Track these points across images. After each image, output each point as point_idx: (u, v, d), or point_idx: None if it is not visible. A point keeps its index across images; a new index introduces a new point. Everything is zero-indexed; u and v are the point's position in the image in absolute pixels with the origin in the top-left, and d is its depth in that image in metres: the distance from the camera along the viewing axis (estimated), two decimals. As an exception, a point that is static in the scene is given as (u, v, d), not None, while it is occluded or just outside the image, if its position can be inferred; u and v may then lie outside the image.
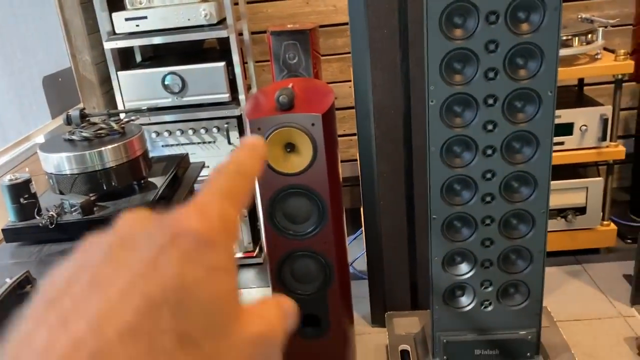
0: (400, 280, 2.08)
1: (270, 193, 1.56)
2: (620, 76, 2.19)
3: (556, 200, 2.29)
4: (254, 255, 2.58)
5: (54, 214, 1.43)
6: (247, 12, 2.66)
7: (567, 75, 2.22)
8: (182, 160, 1.82)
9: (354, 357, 1.87)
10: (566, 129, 2.24)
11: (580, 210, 2.35)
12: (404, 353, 1.81)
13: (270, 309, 0.25)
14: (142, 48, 2.72)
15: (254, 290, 2.44)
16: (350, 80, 2.05)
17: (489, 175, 1.46)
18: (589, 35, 2.22)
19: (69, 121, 1.63)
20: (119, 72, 2.37)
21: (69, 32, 2.38)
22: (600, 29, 2.21)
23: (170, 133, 2.43)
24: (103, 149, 1.51)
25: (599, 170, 2.52)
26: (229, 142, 2.42)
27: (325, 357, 1.77)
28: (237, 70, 2.37)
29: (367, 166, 1.96)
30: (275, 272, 1.65)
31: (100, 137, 1.56)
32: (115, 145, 1.52)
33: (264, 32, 2.64)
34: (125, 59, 2.57)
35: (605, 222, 2.38)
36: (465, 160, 1.45)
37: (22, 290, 1.10)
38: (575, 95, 2.53)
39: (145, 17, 2.30)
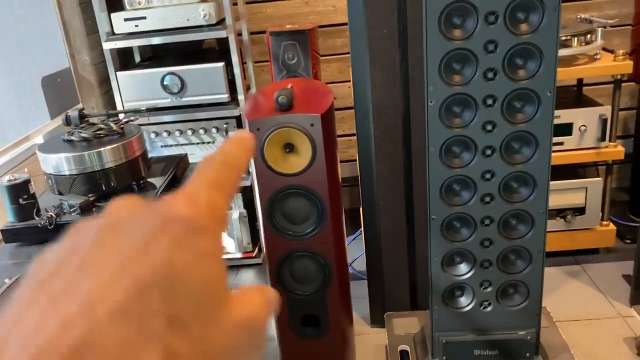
0: (399, 281, 2.08)
1: (269, 193, 1.56)
2: (619, 76, 2.19)
3: (555, 201, 2.29)
4: (253, 255, 2.58)
5: (53, 215, 1.43)
6: (246, 13, 2.66)
7: (566, 76, 2.22)
8: (181, 161, 1.82)
9: (354, 358, 1.87)
10: (565, 129, 2.24)
11: (580, 211, 2.35)
12: (403, 353, 1.81)
13: (255, 295, 0.26)
14: (141, 48, 2.72)
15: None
16: (349, 81, 2.05)
17: (488, 176, 1.46)
18: (588, 36, 2.22)
19: (68, 122, 1.63)
20: (118, 73, 2.37)
21: (68, 32, 2.38)
22: (599, 29, 2.22)
23: (169, 133, 2.43)
24: (102, 149, 1.50)
25: (598, 171, 2.52)
26: (228, 143, 2.41)
27: (325, 357, 1.77)
28: (236, 70, 2.37)
29: (366, 166, 1.96)
30: (274, 273, 1.65)
31: (99, 138, 1.56)
32: (114, 145, 1.52)
33: (263, 32, 2.64)
34: (124, 59, 2.57)
35: (604, 222, 2.38)
36: (465, 161, 1.45)
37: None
38: (575, 96, 2.54)
39: (144, 18, 2.30)
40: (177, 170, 1.74)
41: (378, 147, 1.92)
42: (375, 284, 2.10)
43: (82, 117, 1.63)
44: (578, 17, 2.49)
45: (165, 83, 2.35)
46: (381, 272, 2.07)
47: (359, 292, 2.17)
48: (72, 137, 1.57)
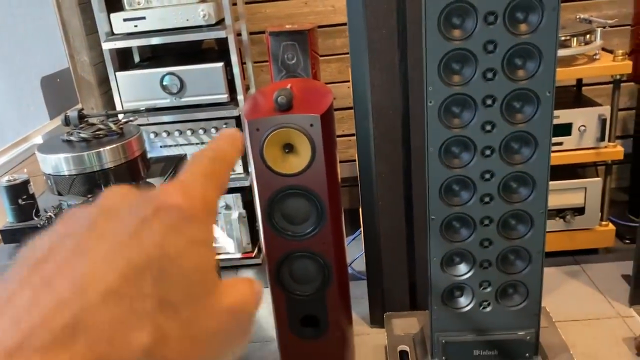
0: (399, 281, 2.08)
1: (268, 193, 1.56)
2: (618, 76, 2.19)
3: (555, 201, 2.30)
4: (253, 255, 2.58)
5: (53, 215, 1.43)
6: (246, 13, 2.65)
7: (565, 76, 2.22)
8: (180, 161, 1.82)
9: (353, 358, 1.87)
10: (565, 129, 2.24)
11: (579, 211, 2.35)
12: (403, 353, 1.81)
13: (243, 285, 0.27)
14: (141, 49, 2.72)
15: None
16: (348, 81, 2.05)
17: (487, 176, 1.46)
18: (588, 36, 2.22)
19: (67, 122, 1.63)
20: (117, 73, 2.37)
21: (67, 32, 2.38)
22: (599, 29, 2.22)
23: (168, 134, 2.42)
24: (101, 149, 1.50)
25: (597, 171, 2.52)
26: (228, 143, 2.41)
27: (324, 357, 1.77)
28: (236, 70, 2.37)
29: (365, 167, 1.96)
30: (273, 273, 1.65)
31: (98, 138, 1.56)
32: (114, 146, 1.52)
33: (263, 32, 2.64)
34: (124, 59, 2.57)
35: (603, 223, 2.38)
36: (464, 161, 1.45)
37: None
38: (574, 96, 2.54)
39: (144, 18, 2.30)
40: (176, 171, 1.74)
41: (377, 148, 1.92)
42: (375, 284, 2.10)
43: (82, 117, 1.63)
44: (577, 17, 2.49)
45: (164, 83, 2.35)
46: (380, 273, 2.07)
47: (359, 292, 2.17)
48: (72, 138, 1.57)
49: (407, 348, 1.81)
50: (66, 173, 1.49)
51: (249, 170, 2.42)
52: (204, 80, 2.35)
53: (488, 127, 1.41)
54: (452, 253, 1.55)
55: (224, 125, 2.40)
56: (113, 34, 2.35)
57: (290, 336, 1.74)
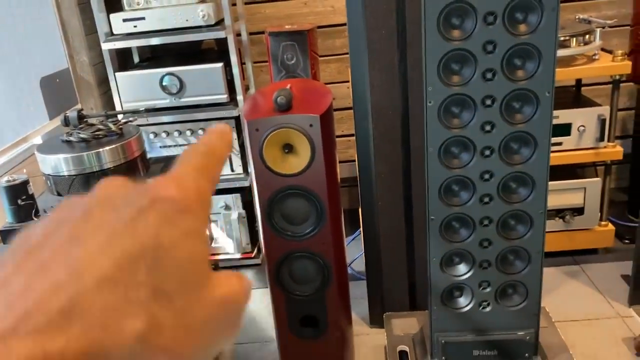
0: (398, 281, 2.08)
1: (268, 194, 1.56)
2: (617, 77, 2.20)
3: (554, 201, 2.30)
4: (252, 256, 2.58)
5: (52, 215, 1.43)
6: (245, 13, 2.65)
7: (564, 76, 2.22)
8: (180, 161, 1.81)
9: (353, 358, 1.87)
10: (564, 129, 2.24)
11: (578, 211, 2.35)
12: (403, 354, 1.81)
13: (234, 279, 0.27)
14: (140, 49, 2.72)
15: (253, 291, 2.43)
16: (348, 81, 2.05)
17: (487, 176, 1.46)
18: (587, 36, 2.22)
19: (66, 122, 1.63)
20: (116, 73, 2.37)
21: (66, 33, 2.38)
22: (598, 29, 2.22)
23: (168, 134, 2.42)
24: (101, 150, 1.50)
25: (596, 171, 2.52)
26: (227, 143, 2.41)
27: (324, 357, 1.77)
28: (235, 71, 2.37)
29: (365, 167, 1.96)
30: (273, 273, 1.65)
31: (98, 138, 1.56)
32: (113, 146, 1.52)
33: (262, 32, 2.64)
34: (123, 59, 2.57)
35: (603, 223, 2.38)
36: (463, 161, 1.45)
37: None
38: (573, 96, 2.54)
39: (143, 18, 2.30)
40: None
41: (377, 148, 1.92)
42: (374, 285, 2.10)
43: (81, 117, 1.63)
44: (577, 17, 2.49)
45: (164, 83, 2.35)
46: (380, 273, 2.07)
47: (358, 292, 2.17)
48: (71, 138, 1.57)
49: (406, 348, 1.81)
50: (65, 173, 1.49)
51: (249, 170, 2.42)
52: (203, 80, 2.35)
53: (487, 128, 1.41)
54: (452, 253, 1.56)
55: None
56: (112, 34, 2.35)
57: (290, 336, 1.74)
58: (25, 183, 1.46)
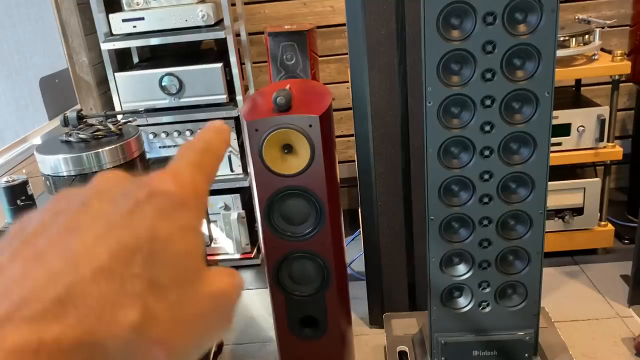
0: (398, 281, 2.08)
1: (267, 194, 1.56)
2: (617, 77, 2.20)
3: (554, 201, 2.30)
4: (252, 256, 2.58)
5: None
6: (245, 13, 2.65)
7: (564, 76, 2.22)
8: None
9: (352, 358, 1.87)
10: (563, 129, 2.24)
11: (578, 211, 2.35)
12: (402, 354, 1.80)
13: (226, 275, 0.27)
14: (140, 49, 2.72)
15: (252, 292, 2.44)
16: (347, 82, 2.05)
17: (486, 176, 1.46)
18: (586, 36, 2.22)
19: (66, 123, 1.63)
20: (116, 74, 2.36)
21: (65, 33, 2.38)
22: (597, 29, 2.22)
23: (167, 134, 2.42)
24: (100, 150, 1.50)
25: (596, 171, 2.53)
26: (227, 143, 2.41)
27: (324, 358, 1.77)
28: (235, 71, 2.37)
29: (364, 167, 1.96)
30: (273, 274, 1.65)
31: (97, 139, 1.56)
32: (113, 146, 1.52)
33: (262, 33, 2.64)
34: (123, 60, 2.57)
35: (602, 223, 2.38)
36: (463, 161, 1.45)
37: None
38: (573, 96, 2.54)
39: (143, 19, 2.30)
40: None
41: (376, 148, 1.92)
42: (374, 285, 2.10)
43: (80, 118, 1.63)
44: (576, 17, 2.49)
45: (163, 84, 2.34)
46: (380, 273, 2.07)
47: (358, 292, 2.17)
48: (70, 138, 1.57)
49: (406, 348, 1.81)
50: (65, 174, 1.49)
51: (248, 170, 2.42)
52: (202, 80, 2.35)
53: (487, 128, 1.41)
54: (451, 253, 1.55)
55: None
56: (112, 34, 2.35)
57: (290, 337, 1.73)
58: (24, 183, 1.46)
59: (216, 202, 2.48)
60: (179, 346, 0.24)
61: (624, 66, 2.16)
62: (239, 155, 2.46)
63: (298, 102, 1.55)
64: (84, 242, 0.22)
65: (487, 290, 1.58)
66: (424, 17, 1.32)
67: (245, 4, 2.69)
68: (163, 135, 2.42)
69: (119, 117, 2.02)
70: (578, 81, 2.58)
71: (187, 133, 2.41)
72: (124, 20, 2.31)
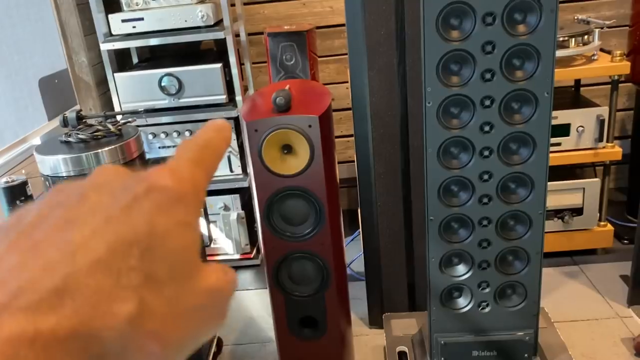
0: (397, 282, 2.08)
1: (267, 194, 1.56)
2: (616, 77, 2.20)
3: (553, 201, 2.30)
4: (251, 256, 2.57)
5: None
6: (244, 14, 2.65)
7: (563, 76, 2.22)
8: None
9: (352, 359, 1.87)
10: (563, 130, 2.24)
11: (577, 211, 2.35)
12: (402, 354, 1.80)
13: (220, 271, 0.27)
14: (139, 49, 2.72)
15: (252, 292, 2.44)
16: (347, 82, 2.05)
17: (486, 177, 1.46)
18: (586, 37, 2.22)
19: (65, 123, 1.63)
20: (115, 74, 2.36)
21: (65, 33, 2.38)
22: (597, 30, 2.22)
23: (167, 134, 2.42)
24: (100, 150, 1.50)
25: (595, 171, 2.53)
26: (226, 144, 2.41)
27: (323, 358, 1.77)
28: (234, 71, 2.37)
29: (364, 167, 1.96)
30: (272, 274, 1.65)
31: (96, 139, 1.56)
32: (112, 147, 1.52)
33: (261, 33, 2.64)
34: (122, 60, 2.57)
35: (602, 223, 2.38)
36: (462, 162, 1.45)
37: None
38: (572, 96, 2.54)
39: (142, 19, 2.30)
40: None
41: (376, 148, 1.92)
42: (374, 285, 2.10)
43: (80, 118, 1.63)
44: (575, 18, 2.49)
45: (162, 84, 2.34)
46: (379, 273, 2.07)
47: (357, 293, 2.17)
48: (70, 139, 1.56)
49: (406, 349, 1.81)
50: (64, 174, 1.49)
51: (248, 171, 2.42)
52: (202, 81, 2.35)
53: (486, 128, 1.41)
54: (451, 254, 1.55)
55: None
56: (111, 34, 2.35)
57: (289, 337, 1.73)
58: (24, 184, 1.46)
59: (216, 203, 2.48)
60: (174, 339, 0.24)
61: (623, 66, 2.17)
62: (238, 156, 2.46)
63: (297, 102, 1.55)
64: (81, 234, 0.22)
65: (487, 290, 1.58)
66: (424, 18, 1.32)
67: (245, 4, 2.69)
68: (162, 135, 2.42)
69: (119, 117, 2.01)
70: (577, 81, 2.58)
71: (187, 133, 2.41)
72: (123, 21, 2.31)
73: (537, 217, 1.48)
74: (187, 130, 2.41)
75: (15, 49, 2.16)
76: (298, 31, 2.27)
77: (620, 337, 1.98)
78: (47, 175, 1.51)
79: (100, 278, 0.22)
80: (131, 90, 2.38)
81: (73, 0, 2.34)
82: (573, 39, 2.19)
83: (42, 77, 2.29)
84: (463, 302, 1.61)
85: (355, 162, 2.01)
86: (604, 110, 2.23)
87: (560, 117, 2.22)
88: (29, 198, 1.47)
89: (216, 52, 2.74)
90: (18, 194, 1.45)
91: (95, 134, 1.57)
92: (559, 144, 2.24)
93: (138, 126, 1.74)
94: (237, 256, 2.57)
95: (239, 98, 2.41)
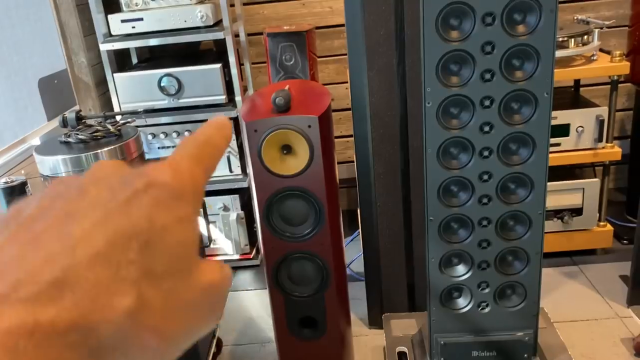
0: (397, 282, 2.08)
1: (266, 195, 1.56)
2: (616, 77, 2.20)
3: (553, 202, 2.30)
4: (251, 257, 2.57)
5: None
6: (244, 14, 2.65)
7: (563, 77, 2.22)
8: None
9: (352, 359, 1.87)
10: (562, 130, 2.24)
11: (577, 211, 2.35)
12: (402, 355, 1.80)
13: (217, 268, 0.28)
14: (138, 50, 2.71)
15: (251, 293, 2.44)
16: (346, 82, 2.05)
17: (485, 177, 1.46)
18: (585, 37, 2.22)
19: (65, 123, 1.63)
20: (115, 74, 2.36)
21: (64, 33, 2.38)
22: (596, 30, 2.22)
23: (166, 135, 2.42)
24: (99, 151, 1.50)
25: (595, 171, 2.53)
26: (226, 144, 2.41)
27: (323, 358, 1.77)
28: (234, 71, 2.37)
29: (364, 168, 1.96)
30: (272, 274, 1.65)
31: (96, 140, 1.56)
32: (112, 147, 1.52)
33: (261, 33, 2.64)
34: (121, 60, 2.57)
35: (601, 223, 2.38)
36: (462, 162, 1.45)
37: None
38: (571, 97, 2.54)
39: (141, 19, 2.30)
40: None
41: (376, 149, 1.92)
42: (373, 285, 2.10)
43: (79, 118, 1.63)
44: (575, 18, 2.49)
45: (162, 84, 2.34)
46: (379, 274, 2.07)
47: (357, 293, 2.16)
48: (69, 139, 1.56)
49: (405, 349, 1.81)
50: (64, 174, 1.49)
51: (247, 171, 2.42)
52: (201, 81, 2.35)
53: (486, 128, 1.41)
54: (451, 254, 1.55)
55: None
56: (111, 35, 2.35)
57: (289, 337, 1.73)
58: (23, 184, 1.46)
59: (215, 203, 2.48)
60: (171, 333, 0.24)
61: (623, 67, 2.17)
62: (238, 156, 2.46)
63: (297, 102, 1.55)
64: (81, 228, 0.22)
65: (487, 290, 1.58)
66: (423, 18, 1.32)
67: (244, 4, 2.69)
68: (162, 135, 2.42)
69: (118, 117, 2.01)
70: (577, 82, 2.58)
71: (186, 134, 2.41)
72: (122, 21, 2.31)
73: (536, 218, 1.48)
74: (186, 130, 2.41)
75: (15, 50, 2.16)
76: (297, 31, 2.27)
77: (620, 337, 1.98)
78: (47, 176, 1.51)
79: (100, 271, 0.22)
80: (131, 90, 2.37)
81: (72, 0, 2.34)
82: (572, 39, 2.19)
83: (42, 77, 2.29)
84: (463, 303, 1.61)
85: (355, 163, 2.01)
86: (603, 111, 2.23)
87: (560, 117, 2.22)
88: (28, 198, 1.46)
89: (216, 53, 2.74)
90: (17, 194, 1.45)
91: (95, 134, 1.57)
92: (558, 144, 2.24)
93: (137, 126, 1.74)
94: (236, 256, 2.57)
95: (238, 98, 2.40)
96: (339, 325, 1.74)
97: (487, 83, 1.37)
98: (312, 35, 2.36)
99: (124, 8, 2.33)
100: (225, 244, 2.55)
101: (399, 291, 2.09)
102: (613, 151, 2.26)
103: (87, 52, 2.40)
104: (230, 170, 2.48)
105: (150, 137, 2.41)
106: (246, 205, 2.50)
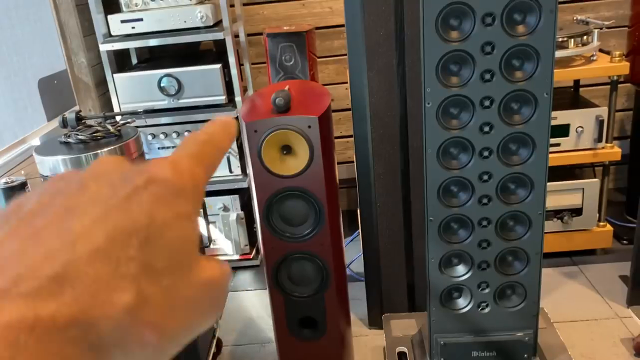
0: (397, 282, 2.08)
1: (266, 195, 1.56)
2: (615, 77, 2.20)
3: (552, 202, 2.30)
4: (251, 257, 2.57)
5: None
6: (244, 14, 2.65)
7: (562, 77, 2.22)
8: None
9: (351, 359, 1.87)
10: (562, 130, 2.24)
11: (577, 212, 2.35)
12: (401, 355, 1.80)
13: (216, 265, 0.28)
14: (138, 50, 2.72)
15: (251, 293, 2.44)
16: (346, 82, 2.05)
17: (485, 177, 1.46)
18: (585, 37, 2.22)
19: (64, 124, 1.63)
20: (114, 75, 2.36)
21: (64, 34, 2.38)
22: (596, 30, 2.22)
23: (166, 135, 2.42)
24: (99, 151, 1.50)
25: (594, 172, 2.53)
26: (226, 144, 2.41)
27: (323, 359, 1.77)
28: (233, 72, 2.37)
29: (363, 168, 1.96)
30: (272, 275, 1.65)
31: (96, 140, 1.56)
32: (111, 147, 1.52)
33: (260, 34, 2.64)
34: (121, 61, 2.57)
35: (601, 223, 2.38)
36: (462, 162, 1.45)
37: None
38: (571, 97, 2.54)
39: (141, 19, 2.30)
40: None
41: (375, 149, 1.92)
42: (373, 286, 2.10)
43: (79, 119, 1.63)
44: (574, 18, 2.49)
45: (162, 85, 2.34)
46: (379, 274, 2.07)
47: (357, 293, 2.17)
48: (69, 139, 1.56)
49: (405, 349, 1.81)
50: (64, 175, 1.49)
51: (247, 171, 2.42)
52: (201, 81, 2.35)
53: (486, 129, 1.41)
54: (451, 254, 1.56)
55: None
56: (110, 35, 2.35)
57: (289, 338, 1.73)
58: (23, 185, 1.46)
59: (215, 203, 2.48)
60: (170, 330, 0.24)
61: (623, 67, 2.17)
62: (237, 156, 2.46)
63: (297, 103, 1.55)
64: (81, 224, 0.23)
65: (486, 291, 1.58)
66: (423, 18, 1.32)
67: (244, 5, 2.69)
68: (162, 136, 2.42)
69: (118, 118, 2.01)
70: (577, 82, 2.58)
71: (186, 134, 2.41)
72: (122, 21, 2.31)
73: (536, 218, 1.48)
74: (186, 131, 2.41)
75: (15, 50, 2.16)
76: (297, 32, 2.27)
77: (620, 337, 1.98)
78: (47, 176, 1.51)
79: (100, 267, 0.22)
80: (130, 91, 2.37)
81: (72, 1, 2.34)
82: (572, 40, 2.19)
83: (42, 77, 2.29)
84: (463, 303, 1.61)
85: (355, 163, 2.01)
86: (603, 111, 2.23)
87: (560, 117, 2.22)
88: (28, 199, 1.46)
89: (215, 53, 2.74)
90: (17, 195, 1.45)
91: (95, 134, 1.57)
92: (558, 145, 2.24)
93: (137, 127, 1.74)
94: (236, 257, 2.57)
95: (238, 99, 2.41)
96: (339, 326, 1.74)
97: (487, 83, 1.37)
98: (312, 35, 2.36)
99: (124, 8, 2.33)
100: (225, 244, 2.55)
101: (398, 291, 2.09)
102: (613, 151, 2.27)
103: (87, 52, 2.41)
104: (230, 171, 2.48)
105: (150, 137, 2.41)
106: (246, 206, 2.50)
